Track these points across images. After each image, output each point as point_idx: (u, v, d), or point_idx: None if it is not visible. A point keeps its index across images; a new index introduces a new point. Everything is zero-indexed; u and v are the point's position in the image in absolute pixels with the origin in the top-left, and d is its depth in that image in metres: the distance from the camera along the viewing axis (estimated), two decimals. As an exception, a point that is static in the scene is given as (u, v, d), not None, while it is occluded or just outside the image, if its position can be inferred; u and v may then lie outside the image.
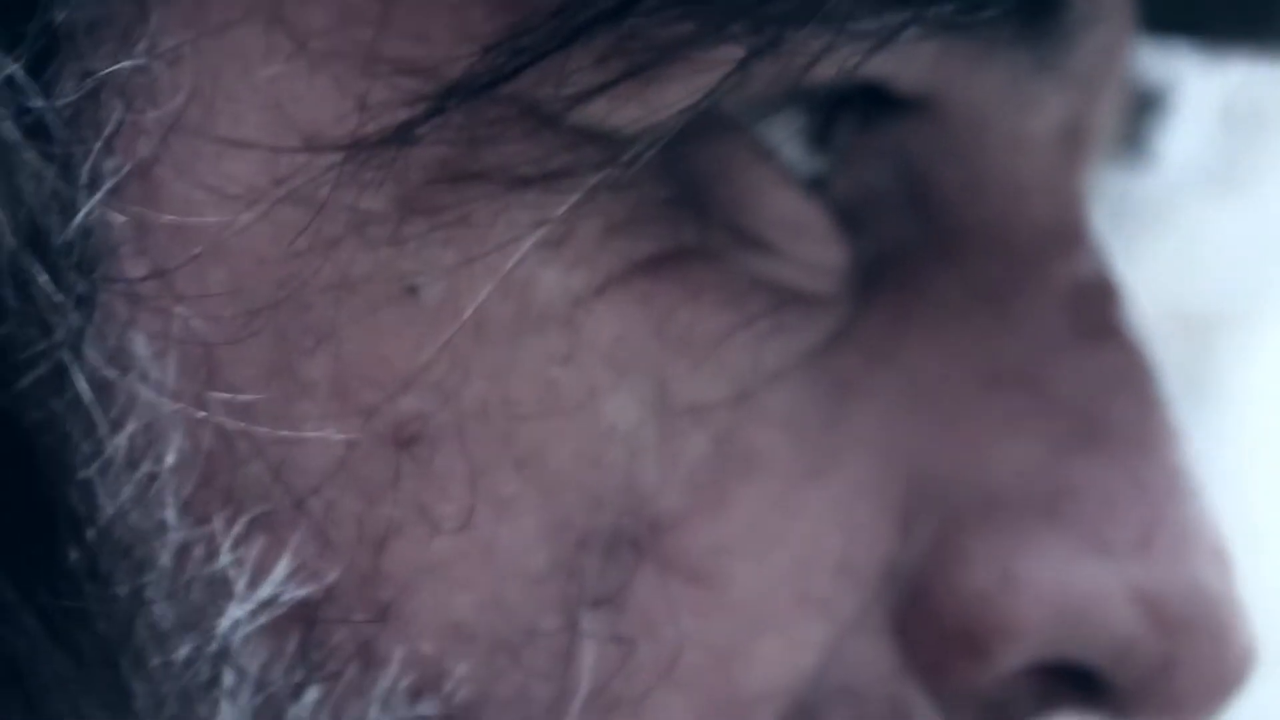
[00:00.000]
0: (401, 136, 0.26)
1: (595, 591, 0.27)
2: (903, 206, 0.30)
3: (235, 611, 0.26)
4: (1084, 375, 0.31)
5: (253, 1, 0.26)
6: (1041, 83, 0.30)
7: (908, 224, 0.30)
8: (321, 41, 0.26)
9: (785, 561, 0.28)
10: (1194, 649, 0.30)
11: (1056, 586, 0.29)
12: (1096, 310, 0.31)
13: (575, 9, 0.26)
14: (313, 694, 0.26)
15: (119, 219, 0.25)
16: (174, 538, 0.26)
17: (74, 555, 0.25)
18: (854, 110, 0.30)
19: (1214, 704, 0.30)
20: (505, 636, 0.27)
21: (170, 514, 0.26)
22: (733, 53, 0.27)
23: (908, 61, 0.29)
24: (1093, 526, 0.30)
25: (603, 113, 0.27)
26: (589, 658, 0.27)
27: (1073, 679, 0.30)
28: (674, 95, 0.27)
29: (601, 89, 0.26)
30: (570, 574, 0.27)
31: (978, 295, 0.31)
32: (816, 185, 0.29)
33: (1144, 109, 0.37)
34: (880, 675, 0.29)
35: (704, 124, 0.28)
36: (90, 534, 0.25)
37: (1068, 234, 0.31)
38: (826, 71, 0.27)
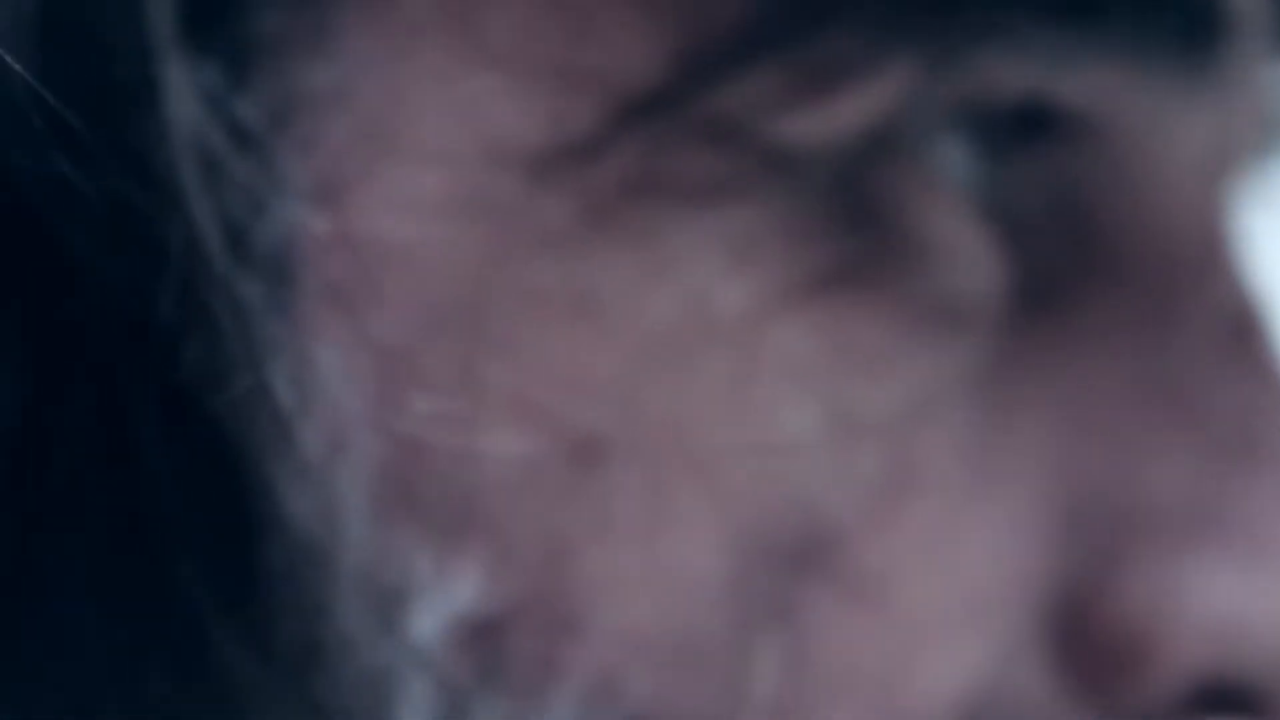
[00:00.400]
0: (588, 151, 0.26)
1: (768, 605, 0.27)
2: (1060, 227, 0.31)
3: (420, 621, 0.26)
4: (1234, 396, 0.31)
5: (443, 11, 0.26)
6: (1199, 106, 0.30)
7: (1064, 245, 0.31)
8: (510, 53, 0.26)
9: (952, 579, 0.28)
10: None
11: (1216, 605, 0.29)
12: (1242, 332, 0.31)
13: (757, 27, 0.26)
14: (495, 704, 0.26)
15: (312, 228, 0.26)
16: (361, 545, 0.26)
17: (267, 559, 0.25)
18: (1019, 129, 0.30)
19: None
20: (682, 648, 0.27)
21: (358, 521, 0.26)
22: (909, 72, 0.27)
23: (1074, 81, 0.29)
24: (1250, 543, 0.30)
25: (783, 128, 0.27)
26: (761, 670, 0.27)
27: (1233, 697, 0.30)
28: (850, 112, 0.27)
29: (781, 107, 0.27)
30: (745, 587, 0.27)
31: (1133, 316, 0.31)
32: (983, 204, 0.29)
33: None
34: (1041, 693, 0.29)
35: (876, 139, 0.28)
36: (282, 539, 0.25)
37: (1214, 256, 0.32)
38: (1000, 90, 0.28)
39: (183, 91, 0.25)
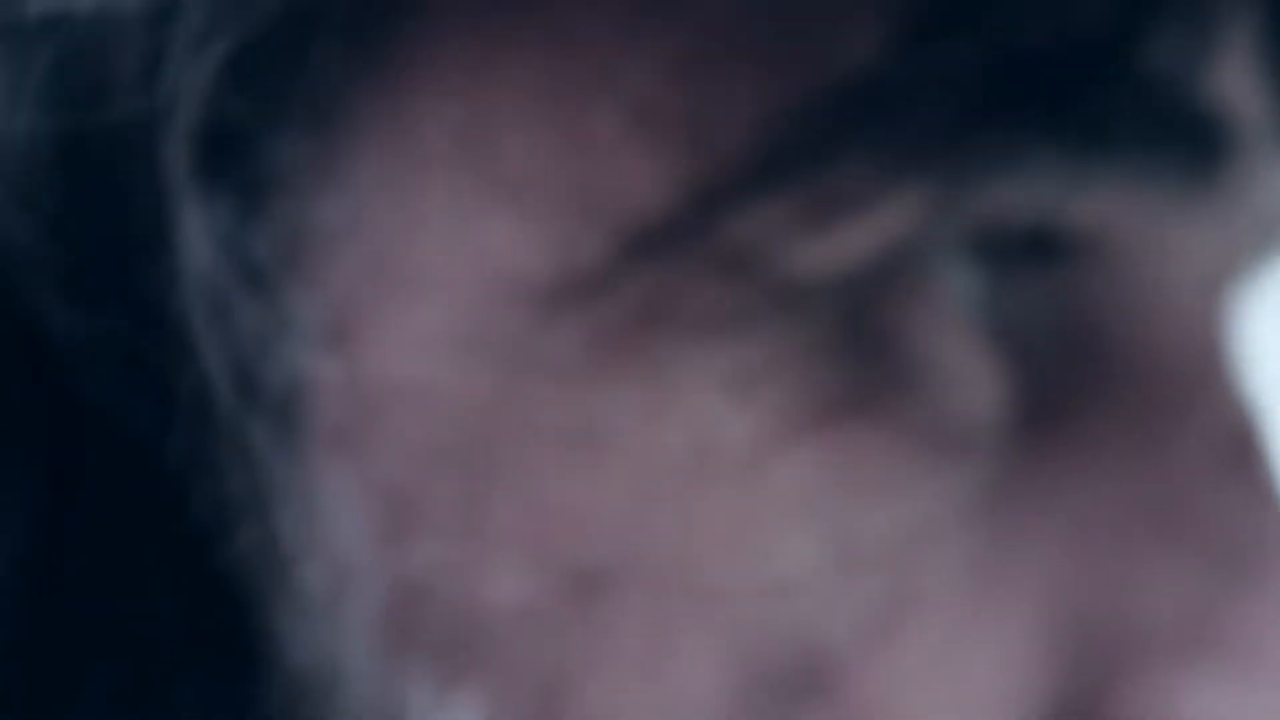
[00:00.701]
0: (598, 284, 0.26)
1: None
2: (1063, 347, 0.31)
3: None
4: (1234, 515, 0.31)
5: (455, 145, 0.26)
6: (1204, 223, 0.31)
7: (1067, 364, 0.31)
8: (523, 185, 0.26)
9: (952, 704, 0.28)
10: None
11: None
12: (1239, 450, 0.32)
13: (768, 158, 0.26)
14: None
15: (319, 369, 0.26)
16: (362, 683, 0.26)
17: (269, 698, 0.25)
18: (1026, 251, 0.30)
19: None
20: None
21: (359, 660, 0.26)
22: (920, 201, 0.27)
23: (1084, 205, 0.29)
24: (1248, 663, 0.30)
25: (793, 258, 0.27)
26: None
27: None
28: (860, 242, 0.27)
29: (791, 237, 0.27)
30: (747, 715, 0.27)
31: (1134, 433, 0.31)
32: (989, 327, 0.30)
33: None
34: None
35: (886, 267, 0.28)
36: (283, 676, 0.25)
37: (1215, 372, 0.32)
38: (1011, 215, 0.28)
39: (195, 233, 0.25)
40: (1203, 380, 0.32)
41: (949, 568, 0.29)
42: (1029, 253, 0.30)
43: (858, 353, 0.28)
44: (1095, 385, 0.31)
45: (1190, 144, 0.29)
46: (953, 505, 0.29)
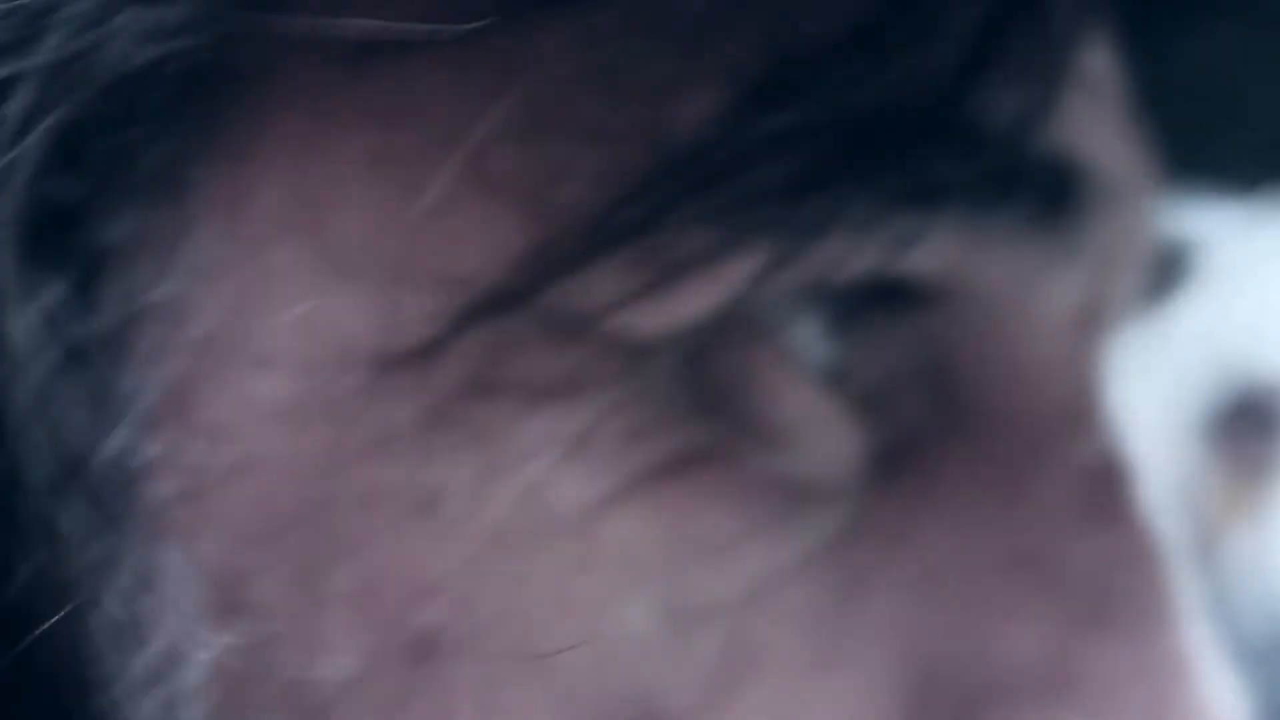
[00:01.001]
0: (430, 352, 0.26)
1: None
2: (920, 391, 0.31)
3: None
4: (1094, 557, 0.31)
5: (288, 216, 0.27)
6: (1059, 267, 0.31)
7: (925, 408, 0.31)
8: (355, 255, 0.27)
9: None
10: None
11: None
12: (1107, 492, 0.32)
13: (603, 222, 0.27)
14: None
15: (150, 443, 0.26)
16: None
17: None
18: (873, 301, 0.30)
19: None
20: None
21: None
22: (755, 259, 0.27)
23: (926, 255, 0.29)
24: (1102, 703, 0.30)
25: (627, 320, 0.27)
26: None
27: None
28: (697, 301, 0.27)
29: (626, 300, 0.27)
30: None
31: (991, 478, 0.31)
32: (835, 377, 0.30)
33: (1167, 268, 0.38)
34: None
35: (724, 325, 0.28)
36: None
37: (1081, 414, 0.32)
38: (848, 270, 0.28)
39: (23, 316, 0.25)
40: (1066, 424, 0.32)
41: (792, 623, 0.29)
42: (879, 302, 0.30)
43: (698, 411, 0.28)
44: (958, 429, 0.31)
45: (1035, 192, 0.29)
46: (799, 556, 0.29)
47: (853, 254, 0.28)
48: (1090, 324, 0.32)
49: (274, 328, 0.27)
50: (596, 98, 0.27)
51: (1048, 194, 0.30)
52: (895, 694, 0.30)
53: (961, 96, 0.28)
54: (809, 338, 0.30)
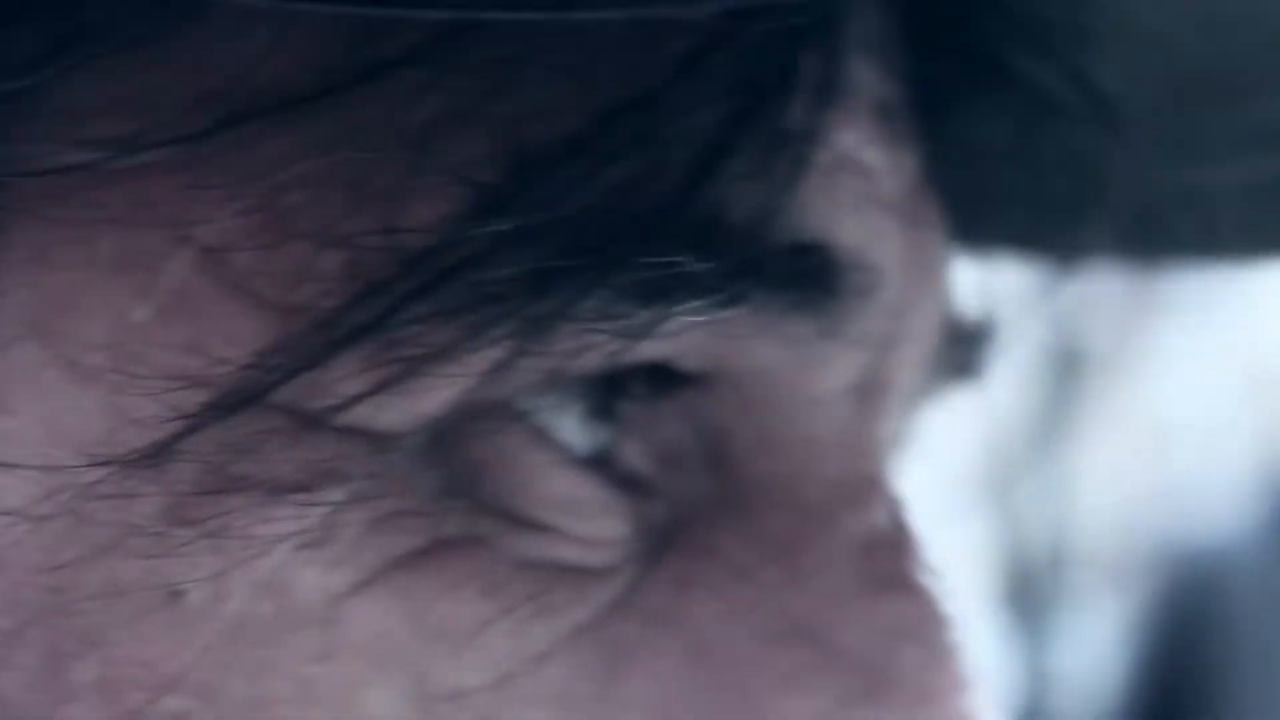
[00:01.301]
0: (164, 450, 0.27)
1: None
2: (694, 465, 0.31)
3: None
4: (871, 627, 0.32)
5: (28, 319, 0.28)
6: (826, 348, 0.31)
7: (699, 483, 0.32)
8: (93, 356, 0.27)
9: None
10: None
11: None
12: (886, 561, 0.32)
13: (338, 320, 0.27)
14: None
15: None
16: None
17: None
18: (637, 382, 0.31)
19: None
20: None
21: None
22: (494, 353, 0.28)
23: (682, 341, 0.30)
24: None
25: (367, 413, 0.28)
26: None
27: None
28: (439, 393, 0.28)
29: (365, 396, 0.28)
30: None
31: (767, 552, 0.32)
32: (598, 459, 0.30)
33: (968, 339, 0.38)
34: None
35: (470, 414, 0.29)
36: None
37: (861, 486, 0.33)
38: (595, 360, 0.29)
39: None
40: (844, 498, 0.32)
41: (547, 706, 0.29)
42: (645, 384, 0.31)
43: (445, 499, 0.29)
44: (731, 508, 0.32)
45: (786, 280, 0.30)
46: (554, 642, 0.30)
47: (591, 346, 0.29)
48: (870, 400, 0.33)
49: (16, 428, 0.27)
50: (333, 200, 0.28)
51: (802, 280, 0.30)
52: None
53: (695, 193, 0.28)
54: (568, 422, 0.30)
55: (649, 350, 0.29)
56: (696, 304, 0.29)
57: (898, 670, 0.32)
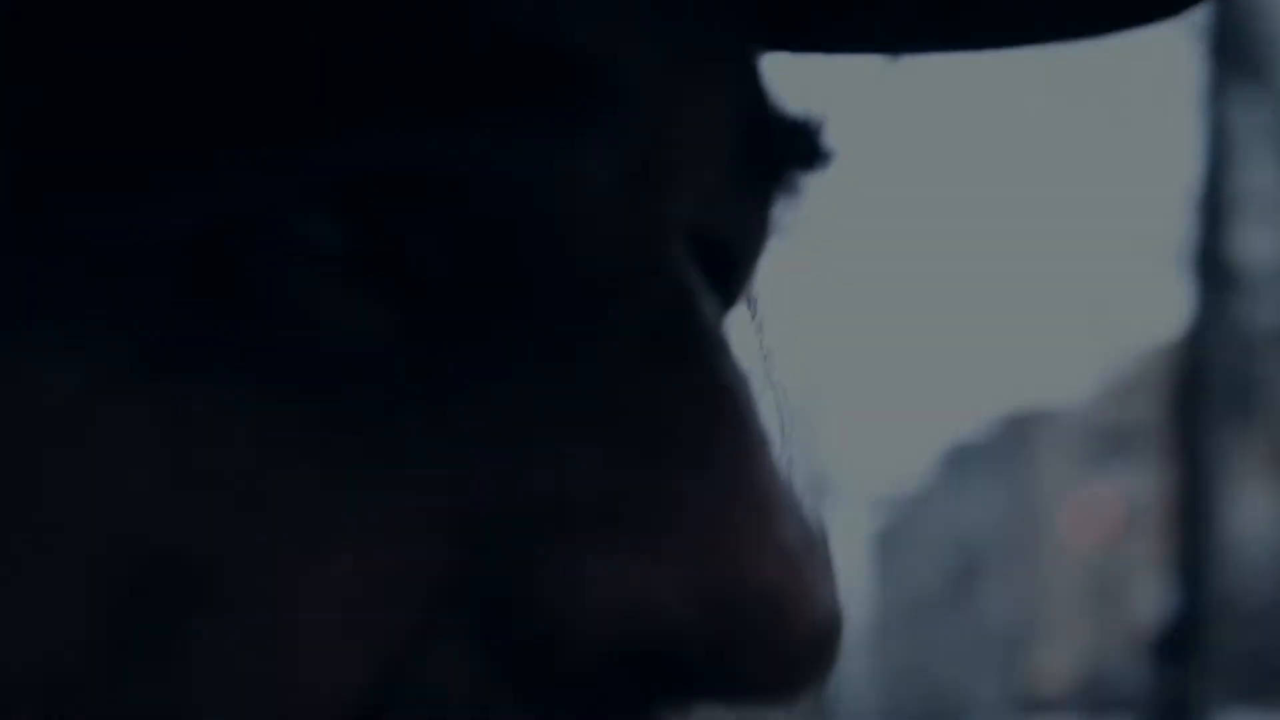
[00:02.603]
0: None
1: (146, 642, 0.31)
2: (469, 266, 0.34)
3: None
4: (656, 394, 0.34)
5: None
6: (594, 143, 0.34)
7: (475, 282, 0.34)
8: None
9: (325, 593, 0.32)
10: (747, 634, 0.33)
11: (615, 587, 0.33)
12: (670, 334, 0.35)
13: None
14: None
15: None
16: None
17: None
18: (393, 189, 0.33)
19: (782, 679, 0.34)
20: (58, 687, 0.31)
21: None
22: (246, 166, 0.31)
23: (441, 150, 0.32)
24: (653, 533, 0.33)
25: (115, 231, 0.31)
26: (142, 696, 0.31)
27: (650, 666, 0.34)
28: (188, 207, 0.31)
29: (109, 208, 0.31)
30: (119, 631, 0.31)
31: (547, 336, 0.34)
32: (359, 258, 0.33)
33: (786, 135, 0.40)
34: (460, 682, 0.33)
35: (221, 228, 0.32)
36: None
37: (642, 267, 0.35)
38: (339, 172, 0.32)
39: None
40: (625, 278, 0.35)
41: (319, 476, 0.32)
42: (399, 190, 0.33)
43: (200, 306, 0.32)
44: (511, 299, 0.34)
45: (540, 85, 0.33)
46: (322, 425, 0.32)
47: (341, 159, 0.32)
48: (646, 182, 0.35)
49: None
50: None
51: (555, 85, 0.33)
52: (444, 528, 0.33)
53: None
54: (322, 224, 0.32)
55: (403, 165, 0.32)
56: (462, 114, 0.31)
57: (683, 431, 0.34)
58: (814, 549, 0.34)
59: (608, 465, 0.33)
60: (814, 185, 0.40)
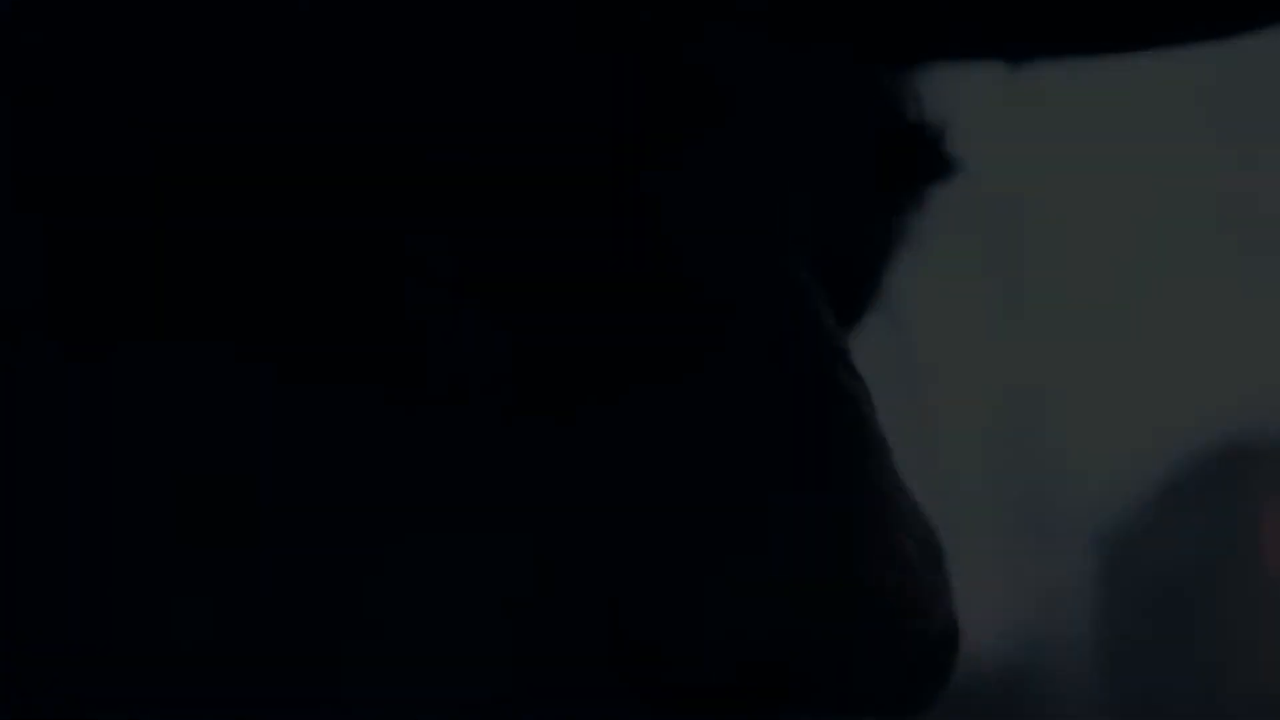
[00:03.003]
0: None
1: None
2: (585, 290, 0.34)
3: None
4: (773, 405, 0.34)
5: None
6: (701, 159, 0.34)
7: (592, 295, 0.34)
8: None
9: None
10: (863, 643, 0.33)
11: (736, 594, 0.33)
12: (789, 346, 0.34)
13: None
14: None
15: None
16: None
17: None
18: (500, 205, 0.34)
19: (898, 690, 0.34)
20: None
21: None
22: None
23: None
24: (771, 540, 0.33)
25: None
26: None
27: (777, 682, 0.33)
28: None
29: None
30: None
31: (666, 350, 0.34)
32: (467, 282, 0.33)
33: (921, 139, 0.40)
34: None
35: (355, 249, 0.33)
36: None
37: (761, 282, 0.35)
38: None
39: None
40: (745, 293, 0.35)
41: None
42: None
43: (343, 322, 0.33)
44: (627, 308, 0.34)
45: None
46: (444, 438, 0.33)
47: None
48: (766, 203, 0.35)
49: None
50: None
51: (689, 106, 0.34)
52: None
53: None
54: (439, 249, 0.33)
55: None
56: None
57: (797, 442, 0.34)
58: (934, 559, 0.34)
59: (724, 474, 0.34)
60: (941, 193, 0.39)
